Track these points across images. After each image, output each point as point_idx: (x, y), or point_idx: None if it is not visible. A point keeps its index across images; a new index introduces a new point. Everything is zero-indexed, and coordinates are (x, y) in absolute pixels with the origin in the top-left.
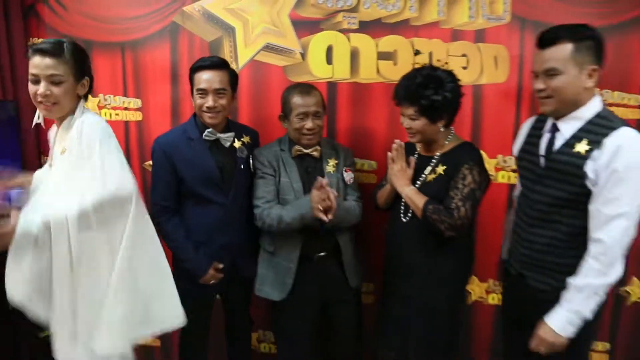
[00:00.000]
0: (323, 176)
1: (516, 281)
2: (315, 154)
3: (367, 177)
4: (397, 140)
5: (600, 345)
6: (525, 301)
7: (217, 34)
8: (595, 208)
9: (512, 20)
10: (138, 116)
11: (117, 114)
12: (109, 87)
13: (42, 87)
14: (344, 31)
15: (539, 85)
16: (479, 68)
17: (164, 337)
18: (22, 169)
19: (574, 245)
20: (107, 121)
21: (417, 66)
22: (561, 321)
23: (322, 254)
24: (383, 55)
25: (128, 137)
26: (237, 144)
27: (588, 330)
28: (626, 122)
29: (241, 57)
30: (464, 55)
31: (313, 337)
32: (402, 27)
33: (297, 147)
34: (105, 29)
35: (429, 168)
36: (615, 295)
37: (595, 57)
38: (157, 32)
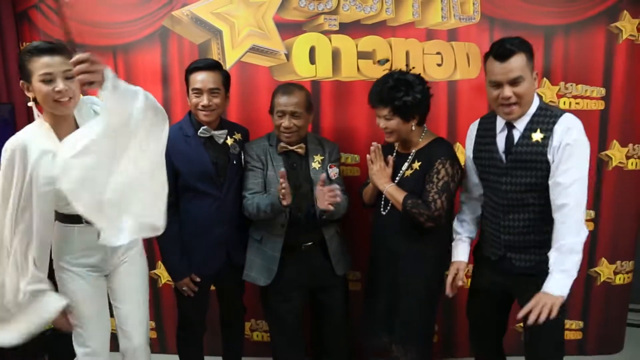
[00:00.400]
0: (308, 173)
1: (499, 264)
2: (299, 151)
3: (352, 170)
4: (374, 143)
5: (574, 324)
6: (511, 278)
7: (206, 37)
8: (554, 181)
9: (481, 20)
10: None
11: None
12: None
13: (61, 84)
14: (326, 32)
15: (507, 93)
16: (453, 65)
17: (160, 329)
18: None
19: (548, 222)
20: None
21: (386, 72)
22: (556, 284)
23: (309, 243)
24: (363, 55)
25: None
26: (229, 141)
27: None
28: (563, 110)
29: (229, 59)
30: (438, 53)
31: (302, 321)
32: (380, 28)
33: (282, 143)
34: (97, 33)
35: (405, 164)
36: (586, 276)
37: (533, 64)
38: (148, 36)
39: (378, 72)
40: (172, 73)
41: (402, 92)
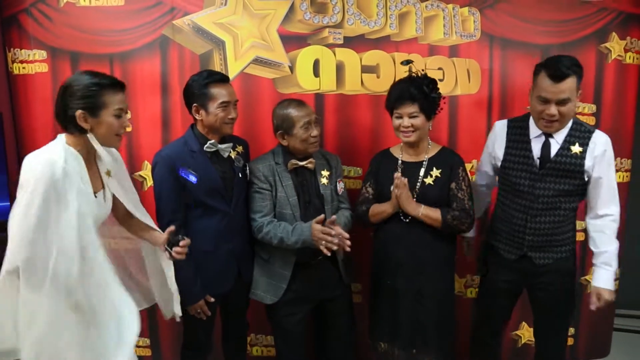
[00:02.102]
0: (318, 189)
1: (517, 263)
2: (310, 166)
3: (354, 183)
4: (397, 175)
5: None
6: (527, 274)
7: (208, 47)
8: (595, 187)
9: (481, 37)
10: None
11: None
12: None
13: (126, 120)
14: (330, 46)
15: (553, 111)
16: (454, 80)
17: (156, 346)
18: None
19: (569, 222)
20: None
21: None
22: (610, 281)
23: (320, 257)
24: (366, 69)
25: None
26: (232, 154)
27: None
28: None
29: (231, 70)
30: (440, 69)
31: (307, 330)
32: (383, 43)
33: (293, 161)
34: (94, 41)
35: (421, 172)
36: (577, 285)
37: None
38: (147, 45)
39: (381, 86)
40: (172, 83)
41: (430, 89)
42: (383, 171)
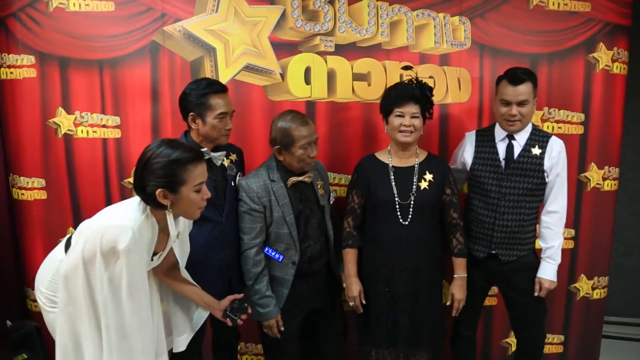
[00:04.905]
0: (317, 200)
1: (485, 261)
2: (307, 180)
3: (344, 191)
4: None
5: (556, 338)
6: (496, 273)
7: (198, 54)
8: (551, 188)
9: (472, 46)
10: (117, 133)
11: (94, 132)
12: (85, 104)
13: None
14: (321, 53)
15: (514, 111)
16: (445, 89)
17: None
18: None
19: (531, 222)
20: (84, 139)
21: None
22: (553, 273)
23: (316, 270)
24: (358, 77)
25: (106, 154)
26: (225, 162)
27: None
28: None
29: (222, 77)
30: (431, 77)
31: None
32: (375, 51)
33: (292, 178)
34: (83, 46)
35: (415, 176)
36: (566, 292)
37: (536, 92)
38: (137, 51)
39: (373, 94)
40: (162, 90)
41: (429, 92)
42: (375, 177)
